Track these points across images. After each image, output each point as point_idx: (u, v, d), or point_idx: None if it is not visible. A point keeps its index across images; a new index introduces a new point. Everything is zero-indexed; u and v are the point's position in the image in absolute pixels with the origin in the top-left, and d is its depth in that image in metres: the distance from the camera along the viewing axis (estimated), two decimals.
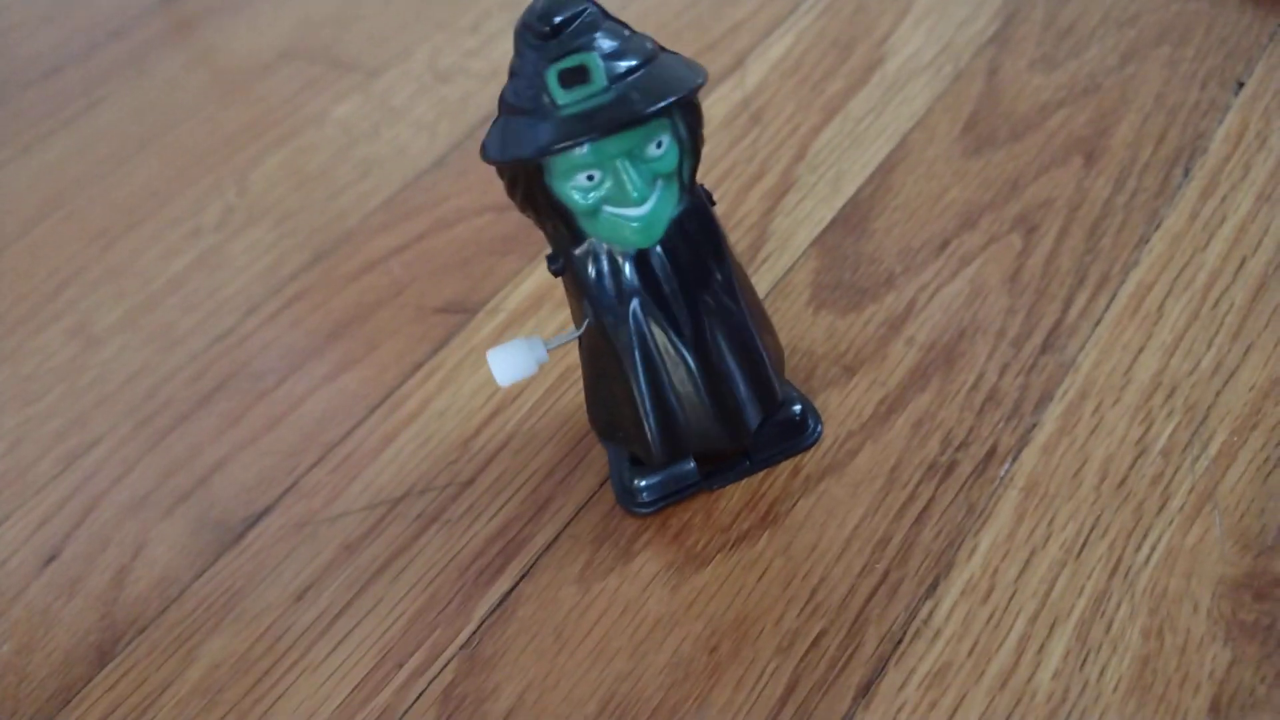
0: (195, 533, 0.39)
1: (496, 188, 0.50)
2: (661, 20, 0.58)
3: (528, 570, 0.34)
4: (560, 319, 0.42)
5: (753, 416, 0.32)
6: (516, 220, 0.47)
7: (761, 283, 0.41)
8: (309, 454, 0.40)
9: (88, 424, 0.45)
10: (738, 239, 0.43)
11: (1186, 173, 0.40)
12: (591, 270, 0.29)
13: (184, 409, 0.44)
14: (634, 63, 0.26)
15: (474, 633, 0.33)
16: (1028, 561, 0.30)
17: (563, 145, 0.25)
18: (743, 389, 0.32)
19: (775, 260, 0.42)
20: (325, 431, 0.41)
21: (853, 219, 0.42)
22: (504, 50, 0.60)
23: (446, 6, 0.66)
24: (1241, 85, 0.43)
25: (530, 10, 0.26)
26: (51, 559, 0.39)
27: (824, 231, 0.42)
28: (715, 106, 0.50)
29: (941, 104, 0.47)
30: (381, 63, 0.62)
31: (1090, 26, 0.48)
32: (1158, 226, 0.38)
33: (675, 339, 0.30)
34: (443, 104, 0.57)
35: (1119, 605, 0.28)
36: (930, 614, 0.30)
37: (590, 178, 0.27)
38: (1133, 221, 0.39)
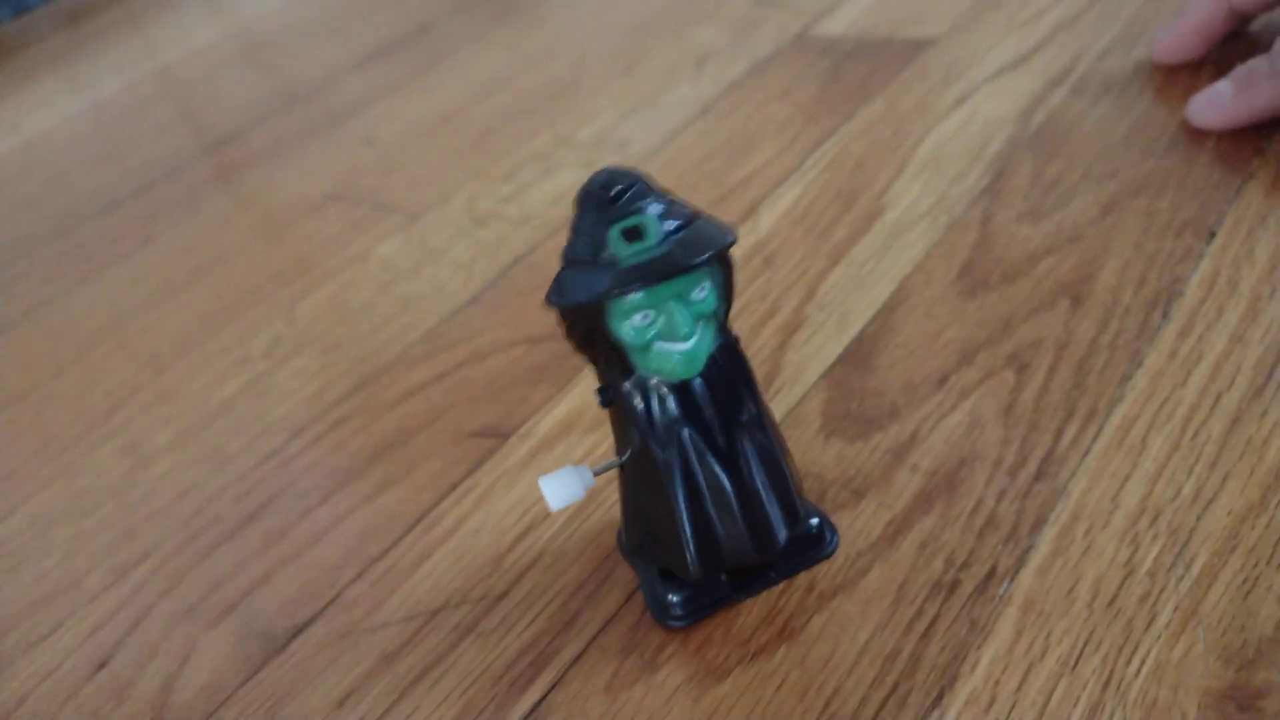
0: (240, 642, 0.41)
1: (529, 323, 0.54)
2: (679, 172, 0.63)
3: (558, 680, 0.36)
4: (588, 444, 0.45)
5: (781, 534, 0.35)
6: (548, 352, 0.51)
7: (775, 411, 0.44)
8: (350, 568, 0.43)
9: (138, 538, 0.48)
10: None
11: (1165, 315, 0.43)
12: (639, 401, 0.33)
13: (231, 525, 0.47)
14: (679, 223, 0.31)
15: None
16: (1026, 674, 0.32)
17: (625, 289, 0.30)
18: (771, 508, 0.34)
19: (788, 391, 0.45)
20: (366, 548, 0.43)
21: (858, 354, 0.46)
22: (536, 199, 0.65)
23: (483, 158, 0.71)
24: (1214, 235, 0.47)
25: (593, 181, 0.31)
26: (102, 665, 0.42)
27: (832, 366, 0.46)
28: (731, 250, 0.55)
29: (938, 251, 0.51)
30: (422, 207, 0.67)
31: (1073, 181, 0.53)
32: (1139, 364, 0.42)
33: (714, 462, 0.34)
34: (479, 246, 0.62)
35: (1112, 714, 0.31)
36: None
37: (645, 317, 0.31)
38: (1116, 360, 0.42)
